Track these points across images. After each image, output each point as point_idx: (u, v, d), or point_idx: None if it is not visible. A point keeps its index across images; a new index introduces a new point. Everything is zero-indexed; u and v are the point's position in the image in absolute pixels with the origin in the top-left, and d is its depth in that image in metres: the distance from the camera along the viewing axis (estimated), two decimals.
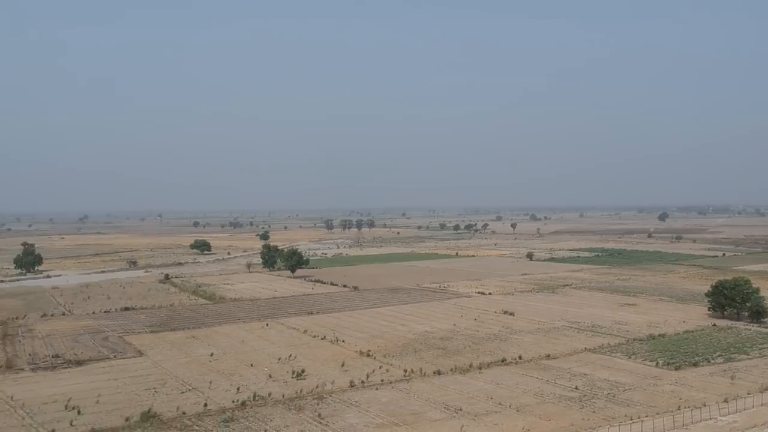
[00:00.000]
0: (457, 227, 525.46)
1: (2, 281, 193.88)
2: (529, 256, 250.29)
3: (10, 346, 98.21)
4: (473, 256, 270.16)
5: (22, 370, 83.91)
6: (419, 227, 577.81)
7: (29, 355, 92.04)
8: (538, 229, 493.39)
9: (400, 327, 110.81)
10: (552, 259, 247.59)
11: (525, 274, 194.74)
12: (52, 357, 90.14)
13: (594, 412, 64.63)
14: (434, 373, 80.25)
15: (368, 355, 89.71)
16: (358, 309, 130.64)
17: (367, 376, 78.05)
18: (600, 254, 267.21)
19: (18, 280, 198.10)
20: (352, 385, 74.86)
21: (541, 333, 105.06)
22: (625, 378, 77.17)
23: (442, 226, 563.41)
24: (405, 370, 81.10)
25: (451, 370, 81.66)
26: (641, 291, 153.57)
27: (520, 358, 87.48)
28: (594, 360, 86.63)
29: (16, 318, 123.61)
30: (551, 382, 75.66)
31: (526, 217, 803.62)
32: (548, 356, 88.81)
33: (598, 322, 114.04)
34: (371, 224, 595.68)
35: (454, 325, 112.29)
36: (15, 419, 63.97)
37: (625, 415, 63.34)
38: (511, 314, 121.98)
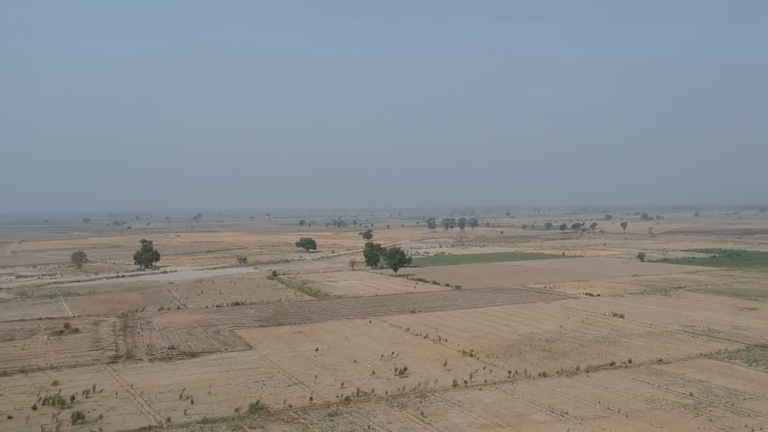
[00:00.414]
0: (563, 226, 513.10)
1: (123, 276, 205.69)
2: (640, 256, 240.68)
3: (130, 337, 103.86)
4: (581, 256, 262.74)
5: (141, 360, 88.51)
6: (524, 226, 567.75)
7: (147, 346, 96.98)
8: (649, 228, 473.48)
9: (504, 327, 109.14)
10: (665, 260, 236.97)
11: (636, 275, 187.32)
12: (168, 348, 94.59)
13: (711, 420, 61.16)
14: (539, 375, 78.45)
15: (471, 355, 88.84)
16: (460, 308, 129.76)
17: (470, 376, 77.26)
18: (717, 255, 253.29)
19: (137, 275, 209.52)
20: (455, 384, 74.34)
21: (652, 337, 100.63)
22: (745, 386, 72.58)
23: (548, 226, 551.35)
24: (509, 372, 79.74)
25: (557, 372, 79.56)
26: (763, 295, 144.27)
27: (629, 362, 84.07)
28: (710, 366, 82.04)
29: (136, 311, 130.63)
30: (663, 388, 72.26)
31: (637, 217, 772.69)
32: (660, 361, 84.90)
33: (715, 326, 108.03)
34: (474, 223, 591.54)
35: (561, 326, 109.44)
36: (134, 406, 67.55)
37: (746, 426, 59.54)
38: (621, 317, 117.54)
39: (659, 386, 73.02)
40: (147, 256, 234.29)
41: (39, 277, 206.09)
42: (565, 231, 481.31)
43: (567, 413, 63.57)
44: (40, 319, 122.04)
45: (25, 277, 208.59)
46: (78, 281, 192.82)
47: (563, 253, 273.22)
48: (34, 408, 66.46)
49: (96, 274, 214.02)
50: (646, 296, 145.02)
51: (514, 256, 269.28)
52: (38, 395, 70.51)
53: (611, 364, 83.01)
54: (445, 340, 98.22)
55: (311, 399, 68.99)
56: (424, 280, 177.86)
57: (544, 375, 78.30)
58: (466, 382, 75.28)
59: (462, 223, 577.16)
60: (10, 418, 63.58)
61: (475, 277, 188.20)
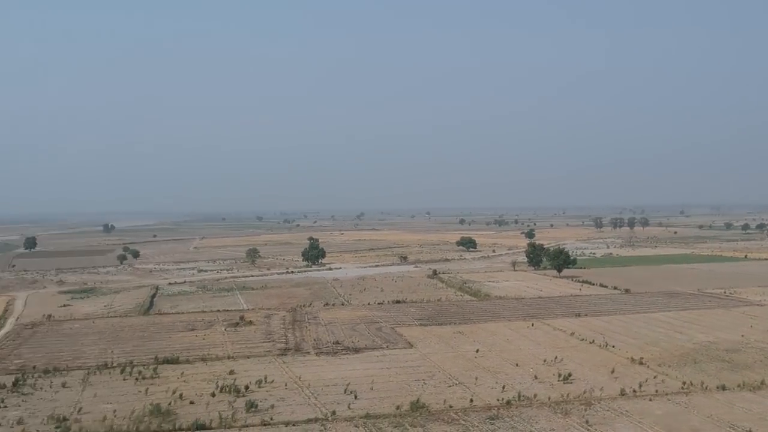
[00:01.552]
0: (746, 226, 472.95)
1: (292, 272, 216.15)
2: None
3: (298, 331, 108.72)
4: (766, 259, 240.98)
5: (308, 353, 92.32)
6: (700, 226, 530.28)
7: (314, 339, 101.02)
8: None
9: (678, 335, 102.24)
10: None
11: None
12: (333, 343, 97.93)
13: None
14: (717, 387, 72.61)
15: (641, 363, 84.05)
16: (629, 313, 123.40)
17: (640, 386, 73.09)
18: None
19: (304, 271, 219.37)
20: (622, 393, 70.68)
21: None
22: None
23: (728, 226, 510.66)
24: (683, 383, 74.52)
25: (738, 386, 73.25)
26: None
27: None
28: None
29: (303, 306, 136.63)
30: None
31: None
32: None
33: None
34: (645, 223, 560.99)
35: (742, 336, 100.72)
36: (302, 397, 70.59)
37: None
38: None
39: None
40: (314, 254, 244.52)
41: (217, 272, 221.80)
42: (747, 231, 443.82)
43: (750, 431, 58.35)
44: (218, 311, 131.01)
45: (205, 271, 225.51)
46: (252, 276, 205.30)
47: (746, 256, 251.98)
48: (213, 395, 71.41)
49: (268, 269, 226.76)
50: None
51: (690, 258, 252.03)
52: (216, 383, 75.68)
53: None
54: (613, 346, 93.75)
55: (471, 401, 68.50)
56: (590, 283, 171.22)
57: (723, 388, 72.42)
58: (634, 391, 71.39)
59: (631, 223, 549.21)
60: (192, 403, 68.83)
61: (646, 280, 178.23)
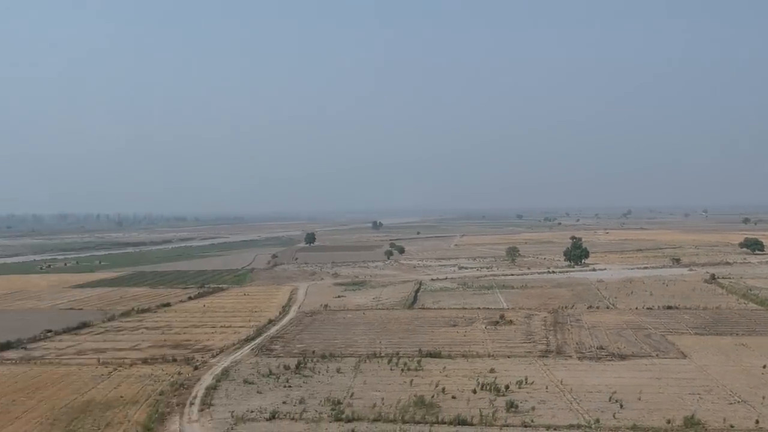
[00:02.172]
0: None
1: (553, 272, 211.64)
2: None
3: (560, 333, 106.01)
4: None
5: (570, 357, 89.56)
6: None
7: (576, 343, 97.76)
8: None
9: None
10: None
11: None
12: (597, 348, 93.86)
13: None
14: None
15: None
16: None
17: None
18: None
19: (566, 271, 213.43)
20: None
21: None
22: None
23: None
24: None
25: None
26: None
27: None
28: None
29: (565, 307, 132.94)
30: None
31: None
32: None
33: None
34: None
35: None
36: (564, 402, 68.66)
37: None
38: None
39: None
40: (576, 253, 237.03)
41: (477, 269, 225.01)
42: None
43: None
44: (479, 308, 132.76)
45: (465, 268, 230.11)
46: (511, 275, 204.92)
47: None
48: (474, 392, 72.50)
49: (528, 268, 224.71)
50: None
51: None
52: (477, 380, 76.67)
53: None
54: None
55: (757, 422, 61.26)
56: None
57: None
58: None
59: None
60: (453, 398, 70.57)
61: None
